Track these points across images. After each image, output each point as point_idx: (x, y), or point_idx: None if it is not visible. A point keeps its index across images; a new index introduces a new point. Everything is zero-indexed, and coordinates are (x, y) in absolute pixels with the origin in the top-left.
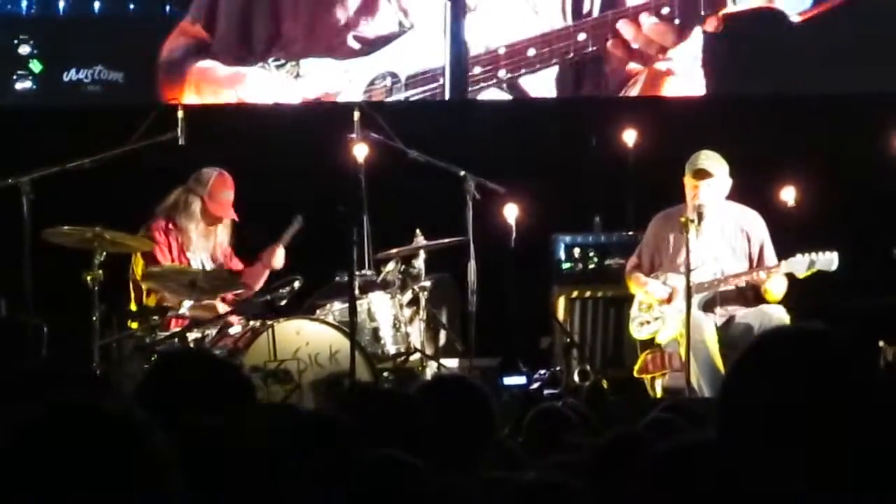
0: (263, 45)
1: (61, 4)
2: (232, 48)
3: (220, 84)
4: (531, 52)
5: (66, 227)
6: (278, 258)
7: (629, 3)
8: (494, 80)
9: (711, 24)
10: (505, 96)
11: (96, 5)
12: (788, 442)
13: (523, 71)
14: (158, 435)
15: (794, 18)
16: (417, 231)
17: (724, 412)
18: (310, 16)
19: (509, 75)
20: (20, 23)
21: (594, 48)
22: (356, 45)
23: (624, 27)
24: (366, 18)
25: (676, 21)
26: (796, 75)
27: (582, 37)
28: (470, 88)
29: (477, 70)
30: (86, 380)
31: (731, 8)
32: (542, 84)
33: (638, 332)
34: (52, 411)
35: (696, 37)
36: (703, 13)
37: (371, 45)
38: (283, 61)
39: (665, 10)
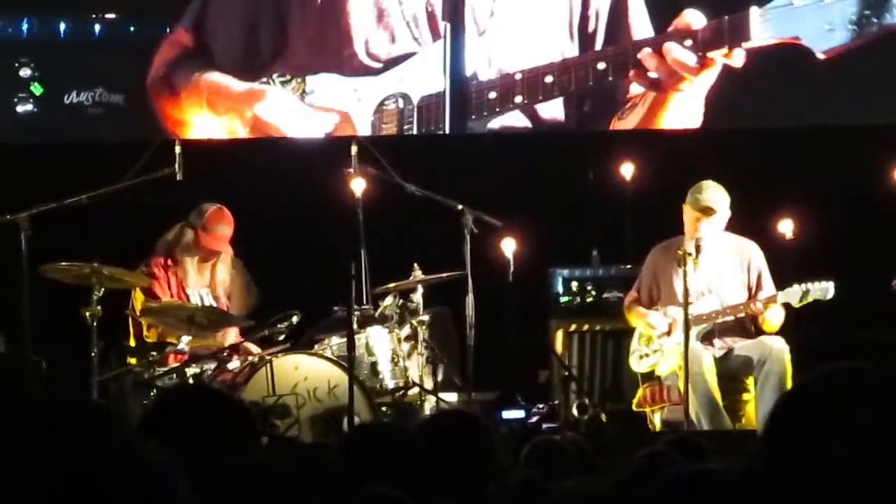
0: (269, 57)
1: (62, 27)
2: (236, 60)
3: (237, 101)
4: (548, 79)
5: (63, 263)
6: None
7: (635, 28)
8: (510, 106)
9: (739, 59)
10: (521, 119)
11: (97, 27)
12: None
13: (540, 98)
14: (184, 482)
15: (819, 56)
16: (415, 265)
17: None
18: (318, 26)
19: (525, 101)
20: (21, 45)
21: (614, 78)
22: (367, 62)
23: (647, 57)
24: (379, 35)
25: (699, 53)
26: (796, 108)
27: (602, 65)
28: (484, 113)
29: (492, 95)
30: (98, 414)
31: (754, 42)
32: (550, 104)
33: (637, 365)
34: (82, 450)
35: (716, 69)
36: (727, 45)
37: (383, 64)
38: (288, 77)
39: (688, 42)
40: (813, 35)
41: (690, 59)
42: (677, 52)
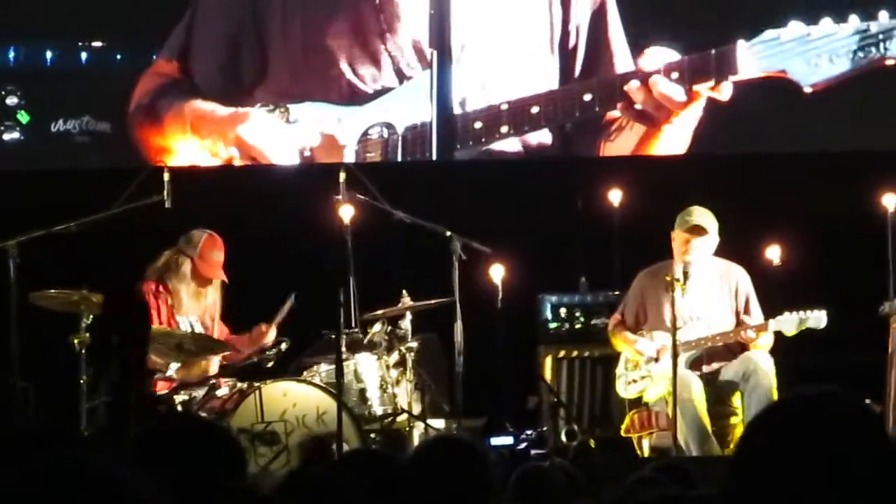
0: (251, 84)
1: (49, 55)
2: (218, 89)
3: (220, 123)
4: (534, 109)
5: (52, 291)
6: (269, 337)
7: (615, 44)
8: (497, 136)
9: (726, 93)
10: (509, 143)
11: (83, 56)
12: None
13: (526, 128)
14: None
15: (807, 89)
16: (404, 292)
17: (737, 471)
18: (300, 51)
19: (511, 132)
20: (7, 74)
21: (601, 109)
22: (355, 83)
23: (634, 91)
24: (364, 61)
25: (687, 86)
26: (783, 133)
27: (588, 97)
28: (470, 143)
29: (478, 125)
30: (78, 440)
31: (741, 75)
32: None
33: (624, 391)
34: (48, 474)
35: (703, 101)
36: (714, 78)
37: (369, 89)
38: (272, 106)
39: (675, 75)
40: (800, 69)
41: (677, 92)
42: (664, 86)
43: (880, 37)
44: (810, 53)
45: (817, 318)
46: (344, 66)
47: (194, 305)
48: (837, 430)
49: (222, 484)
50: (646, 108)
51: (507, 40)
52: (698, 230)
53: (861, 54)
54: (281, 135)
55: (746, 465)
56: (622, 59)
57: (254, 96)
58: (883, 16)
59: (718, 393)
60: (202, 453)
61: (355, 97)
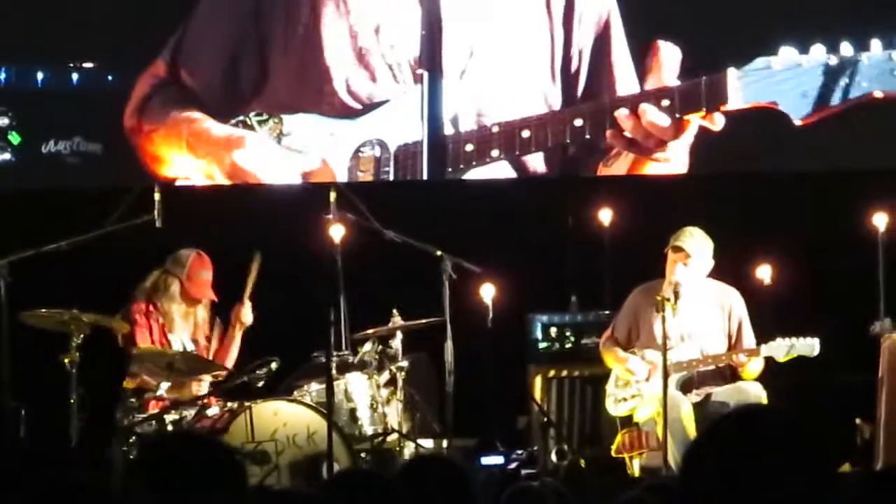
0: (249, 92)
1: (40, 76)
2: (215, 95)
3: (216, 146)
4: (525, 133)
5: (42, 310)
6: (246, 315)
7: (618, 68)
8: (487, 160)
9: (719, 123)
10: (503, 169)
11: (75, 77)
12: None
13: (517, 152)
14: None
15: (797, 122)
16: (394, 311)
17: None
18: (298, 62)
19: (502, 156)
20: None
21: (592, 136)
22: (348, 101)
23: (623, 119)
24: (359, 75)
25: (677, 115)
26: (774, 153)
27: (578, 123)
28: (461, 166)
29: (469, 148)
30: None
31: (731, 105)
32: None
33: (614, 409)
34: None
35: (693, 129)
36: (704, 108)
37: (363, 105)
38: (266, 116)
39: (665, 102)
40: (790, 102)
41: (665, 121)
42: (652, 115)
43: (874, 70)
44: (801, 86)
45: (810, 346)
46: (339, 83)
47: (185, 325)
48: (772, 449)
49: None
50: (635, 137)
51: (507, 66)
52: (679, 251)
53: (854, 87)
54: (277, 160)
55: (691, 486)
56: (625, 83)
57: (250, 105)
58: (875, 45)
59: (708, 415)
60: (201, 470)
61: (349, 112)
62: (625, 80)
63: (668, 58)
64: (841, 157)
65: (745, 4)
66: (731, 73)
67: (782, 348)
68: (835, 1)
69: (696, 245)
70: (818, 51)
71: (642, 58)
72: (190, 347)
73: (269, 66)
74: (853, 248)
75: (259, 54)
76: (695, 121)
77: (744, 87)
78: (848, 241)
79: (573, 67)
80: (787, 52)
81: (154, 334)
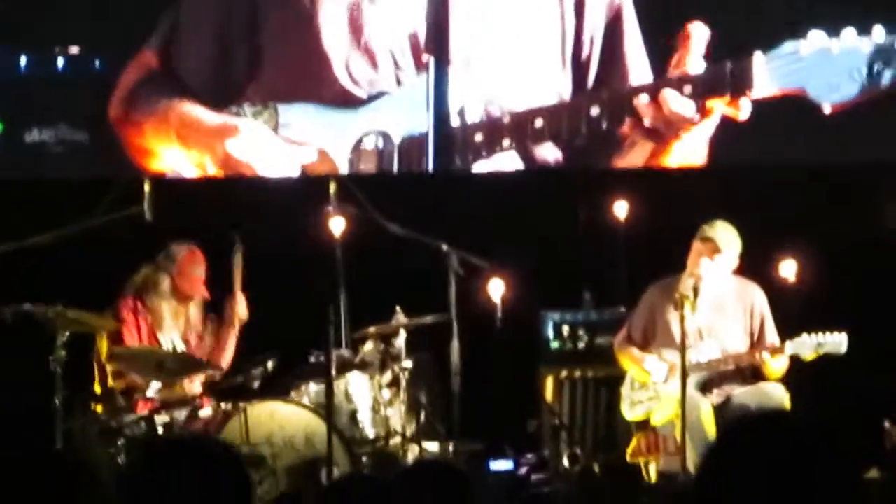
0: (242, 81)
1: (23, 61)
2: (207, 84)
3: (208, 135)
4: (538, 122)
5: (27, 306)
6: (241, 309)
7: (630, 55)
8: (498, 149)
9: (745, 111)
10: (512, 160)
11: (59, 62)
12: None
13: (529, 143)
14: None
15: (826, 109)
16: (397, 309)
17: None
18: (294, 47)
19: (513, 146)
20: None
21: (609, 125)
22: (349, 87)
23: (643, 107)
24: (359, 60)
25: (700, 101)
26: (801, 144)
27: (595, 111)
28: (470, 156)
29: (479, 138)
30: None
31: (758, 91)
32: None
33: (630, 412)
34: None
35: (716, 117)
36: (729, 94)
37: (364, 92)
38: (260, 108)
39: (688, 89)
40: (820, 88)
41: (689, 109)
42: (675, 104)
43: None
44: (831, 71)
45: (837, 343)
46: (340, 68)
47: (175, 323)
48: (782, 454)
49: None
50: (656, 126)
51: (516, 53)
52: (709, 243)
53: (885, 73)
54: (272, 150)
55: (708, 481)
56: (638, 72)
57: (244, 94)
58: None
59: (730, 418)
60: (207, 482)
61: (350, 101)
62: (638, 69)
63: (698, 42)
64: (870, 148)
65: None
66: (758, 57)
67: (809, 346)
68: None
69: (727, 240)
70: (850, 35)
71: (669, 42)
72: (181, 347)
73: (264, 52)
74: (882, 244)
75: (252, 40)
76: (719, 109)
77: (771, 73)
78: (877, 237)
79: (584, 55)
80: (817, 37)
81: (142, 333)
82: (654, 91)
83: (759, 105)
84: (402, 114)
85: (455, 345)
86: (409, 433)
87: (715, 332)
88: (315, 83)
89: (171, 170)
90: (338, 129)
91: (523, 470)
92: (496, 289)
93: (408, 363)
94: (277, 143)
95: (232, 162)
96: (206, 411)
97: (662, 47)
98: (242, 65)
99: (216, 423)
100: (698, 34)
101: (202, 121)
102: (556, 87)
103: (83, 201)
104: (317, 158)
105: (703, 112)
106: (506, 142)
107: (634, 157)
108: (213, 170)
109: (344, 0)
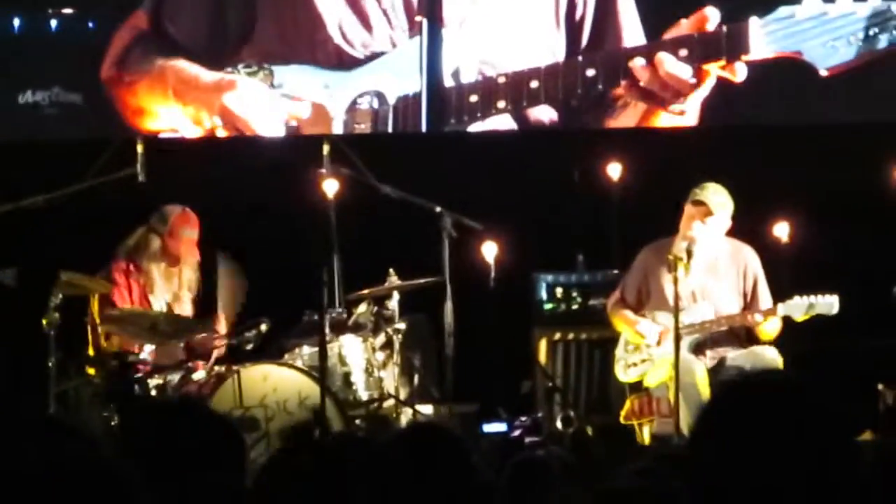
0: (236, 42)
1: (16, 22)
2: (201, 45)
3: (205, 91)
4: (534, 84)
5: (19, 268)
6: (220, 328)
7: (624, 15)
8: (493, 111)
9: (741, 74)
10: (506, 123)
11: (53, 23)
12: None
13: (524, 104)
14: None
15: (823, 72)
16: (391, 271)
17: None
18: (289, 7)
19: (509, 108)
20: None
21: (604, 86)
22: (343, 46)
23: (639, 70)
24: (353, 20)
25: (695, 64)
26: (792, 105)
27: (591, 72)
28: (465, 118)
29: (473, 99)
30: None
31: (753, 55)
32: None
33: (624, 374)
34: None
35: (712, 80)
36: (724, 57)
37: (359, 52)
38: (255, 68)
39: (683, 52)
40: (816, 51)
41: (685, 72)
42: (671, 66)
43: None
44: (827, 34)
45: (829, 304)
46: (333, 28)
47: (167, 286)
48: (777, 415)
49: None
50: (651, 88)
51: (510, 13)
52: (700, 206)
53: (881, 37)
54: (268, 105)
55: (702, 443)
56: (631, 33)
57: (239, 55)
58: None
59: (723, 381)
60: (202, 448)
61: (344, 62)
62: (631, 30)
63: (712, 27)
64: (865, 109)
65: None
66: (754, 21)
67: (800, 307)
68: None
69: (718, 202)
70: None
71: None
72: (174, 310)
73: (258, 13)
74: (877, 206)
75: (246, 3)
76: (714, 72)
77: (767, 36)
78: (871, 198)
79: (578, 15)
80: (812, 2)
81: (134, 295)
82: (649, 53)
83: (750, 67)
84: (397, 75)
85: (448, 307)
86: (402, 395)
87: (708, 293)
88: (309, 44)
89: (165, 129)
90: (333, 90)
91: (516, 432)
92: (490, 250)
93: (401, 325)
94: (275, 96)
95: (229, 115)
96: (199, 374)
97: (668, 17)
98: (236, 26)
99: (209, 386)
100: (713, 19)
101: (199, 77)
102: (550, 48)
103: (77, 163)
104: (312, 111)
105: (700, 76)
106: (501, 103)
107: (626, 118)
108: (209, 124)
109: None
